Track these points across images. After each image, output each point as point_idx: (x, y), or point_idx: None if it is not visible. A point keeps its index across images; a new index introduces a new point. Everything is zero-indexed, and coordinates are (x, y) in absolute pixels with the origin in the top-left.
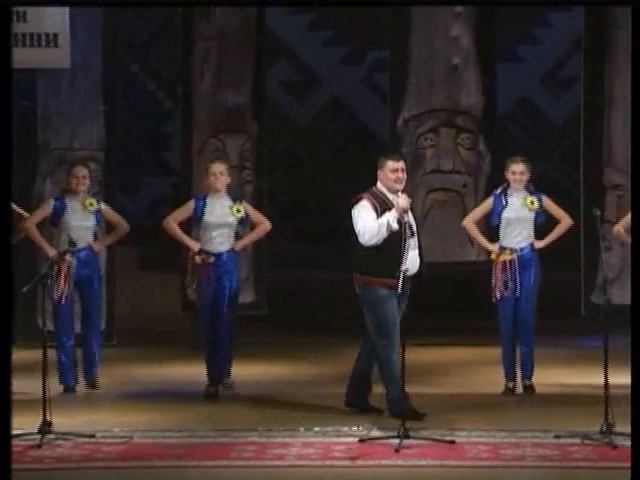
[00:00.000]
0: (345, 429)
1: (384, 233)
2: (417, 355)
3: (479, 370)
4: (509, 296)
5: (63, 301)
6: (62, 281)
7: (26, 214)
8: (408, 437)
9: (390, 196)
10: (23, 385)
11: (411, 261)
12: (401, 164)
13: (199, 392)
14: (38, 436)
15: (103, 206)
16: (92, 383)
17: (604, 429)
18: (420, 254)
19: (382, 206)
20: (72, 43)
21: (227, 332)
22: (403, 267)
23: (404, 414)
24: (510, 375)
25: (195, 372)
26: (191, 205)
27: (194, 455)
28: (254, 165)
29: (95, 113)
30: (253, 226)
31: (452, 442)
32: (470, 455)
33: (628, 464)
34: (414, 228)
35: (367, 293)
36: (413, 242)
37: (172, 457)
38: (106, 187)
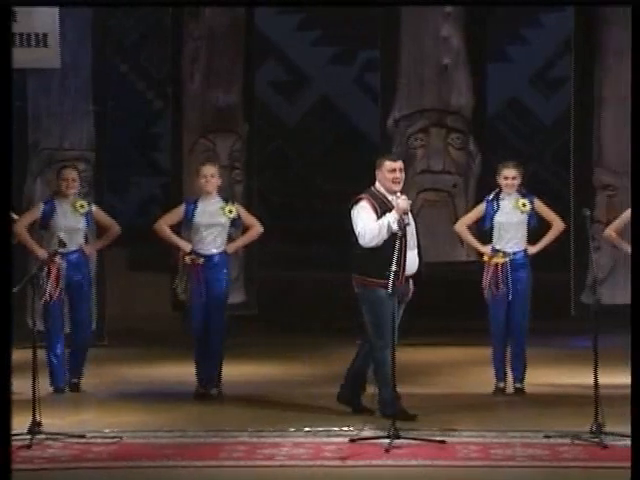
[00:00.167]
0: (335, 429)
1: (384, 234)
2: (407, 355)
3: (469, 370)
4: (501, 298)
5: (54, 302)
6: (53, 282)
7: (16, 216)
8: (398, 437)
9: (389, 196)
10: (13, 385)
11: (410, 261)
12: (399, 164)
13: (189, 392)
14: (28, 436)
15: (94, 208)
16: (75, 385)
17: (594, 429)
18: (419, 254)
19: (382, 207)
20: (62, 43)
21: (218, 333)
22: (393, 267)
23: (395, 416)
24: (500, 375)
25: (185, 372)
26: (182, 209)
27: (184, 455)
28: (244, 165)
29: (85, 113)
30: (245, 229)
31: (442, 442)
32: (460, 455)
33: (618, 463)
34: (413, 230)
35: (366, 293)
36: (412, 242)
37: (162, 457)
38: (96, 187)
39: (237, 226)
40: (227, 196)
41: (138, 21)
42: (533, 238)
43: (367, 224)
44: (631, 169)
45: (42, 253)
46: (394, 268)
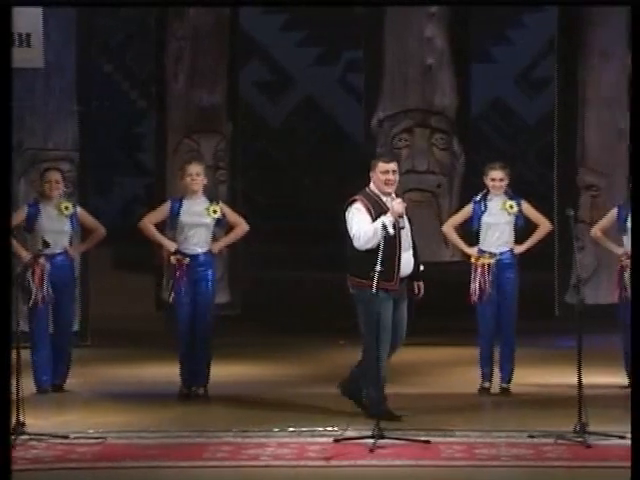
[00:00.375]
0: (320, 429)
1: (379, 237)
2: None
3: (453, 370)
4: (488, 298)
5: (38, 303)
6: (37, 283)
7: None
8: (383, 437)
9: (384, 198)
10: None
11: (405, 262)
12: (392, 165)
13: (173, 392)
14: (11, 437)
15: (79, 210)
16: (59, 386)
17: (578, 429)
18: (415, 255)
19: (376, 208)
20: (46, 43)
21: (204, 333)
22: (377, 267)
23: (381, 416)
24: (486, 375)
25: (169, 372)
26: (167, 207)
27: (168, 456)
28: (228, 165)
29: (69, 113)
30: (230, 227)
31: (427, 442)
32: (445, 455)
33: (602, 463)
34: (408, 231)
35: (360, 294)
36: (407, 243)
37: (146, 458)
38: (80, 187)
39: (221, 226)
40: (212, 196)
41: (122, 21)
42: (519, 238)
43: (362, 227)
44: (631, 169)
45: (26, 255)
46: (378, 268)
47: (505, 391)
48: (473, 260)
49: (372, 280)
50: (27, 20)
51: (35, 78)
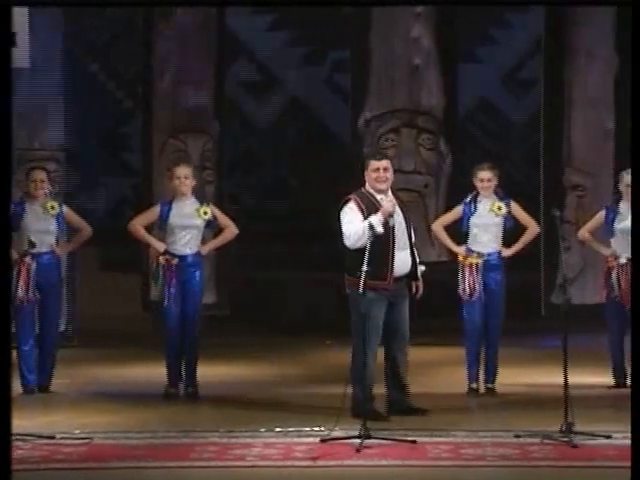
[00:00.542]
0: (306, 429)
1: (369, 236)
2: (379, 355)
3: (440, 370)
4: (475, 299)
5: (24, 303)
6: (23, 283)
7: None
8: (369, 437)
9: (378, 196)
10: None
11: (401, 262)
12: (383, 163)
13: (160, 393)
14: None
15: (65, 209)
16: (45, 386)
17: (564, 428)
18: (412, 254)
19: (369, 207)
20: (32, 42)
21: (192, 334)
22: (364, 267)
23: (366, 416)
24: (473, 376)
25: (156, 373)
26: (157, 210)
27: (155, 456)
28: (215, 165)
29: (55, 113)
30: (220, 230)
31: (413, 442)
32: (431, 455)
33: (588, 463)
34: (404, 230)
35: (351, 294)
36: (402, 242)
37: (133, 458)
38: (66, 187)
39: (212, 227)
40: (201, 197)
41: (108, 21)
42: (508, 239)
43: (352, 226)
44: (631, 169)
45: (11, 254)
46: (365, 268)
47: (490, 391)
48: (461, 259)
49: (370, 280)
50: (13, 19)
51: (20, 77)
